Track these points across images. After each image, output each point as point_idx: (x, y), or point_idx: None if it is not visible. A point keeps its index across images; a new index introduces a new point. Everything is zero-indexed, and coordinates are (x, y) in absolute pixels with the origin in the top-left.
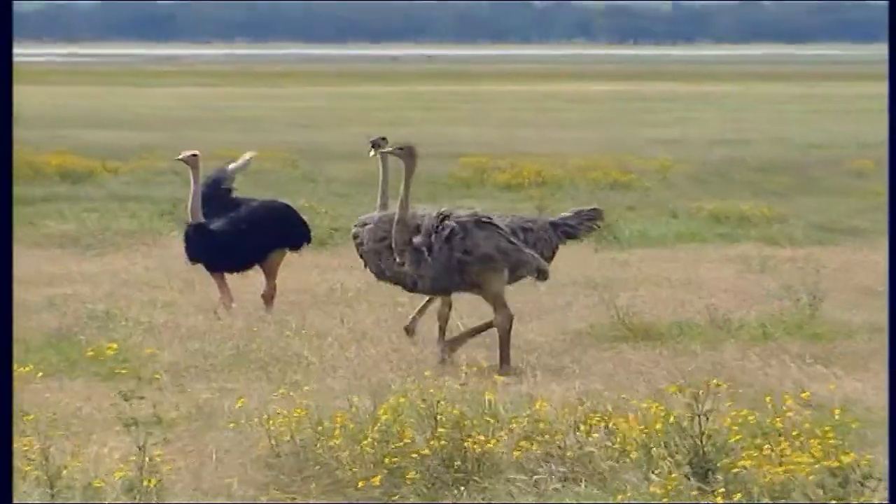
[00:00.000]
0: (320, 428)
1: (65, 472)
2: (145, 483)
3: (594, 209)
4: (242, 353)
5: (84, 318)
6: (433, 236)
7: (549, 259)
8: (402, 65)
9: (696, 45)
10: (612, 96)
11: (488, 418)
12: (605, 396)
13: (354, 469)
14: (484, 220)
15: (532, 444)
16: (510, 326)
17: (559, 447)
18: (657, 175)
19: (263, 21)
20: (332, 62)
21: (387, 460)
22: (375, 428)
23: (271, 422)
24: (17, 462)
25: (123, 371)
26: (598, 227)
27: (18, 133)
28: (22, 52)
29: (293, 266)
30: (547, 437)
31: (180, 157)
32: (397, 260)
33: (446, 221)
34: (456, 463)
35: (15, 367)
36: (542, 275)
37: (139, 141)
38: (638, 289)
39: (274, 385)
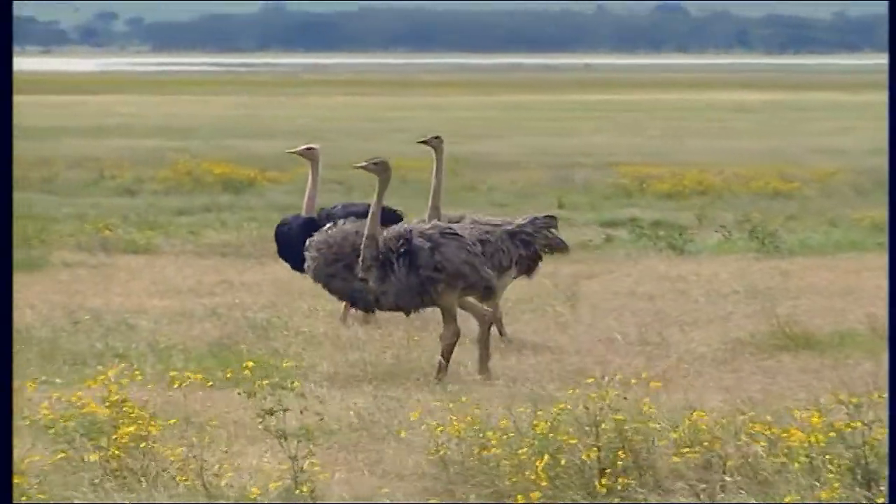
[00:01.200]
0: (480, 437)
1: (222, 481)
2: (297, 491)
3: (548, 216)
4: (402, 363)
5: (245, 328)
6: (397, 252)
7: (507, 269)
8: (561, 74)
9: (858, 54)
10: (772, 105)
11: (649, 425)
12: (766, 406)
13: (514, 479)
14: (448, 232)
15: (693, 452)
16: (456, 341)
17: (720, 456)
18: (818, 184)
19: (423, 31)
20: (490, 71)
21: (547, 469)
22: (535, 437)
23: (431, 431)
24: (174, 470)
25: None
26: (553, 234)
27: (182, 143)
28: (181, 62)
29: None
30: (707, 445)
31: (295, 150)
32: (361, 276)
33: (411, 237)
34: (616, 471)
35: (177, 374)
36: (488, 293)
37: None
38: (799, 298)
39: (434, 395)
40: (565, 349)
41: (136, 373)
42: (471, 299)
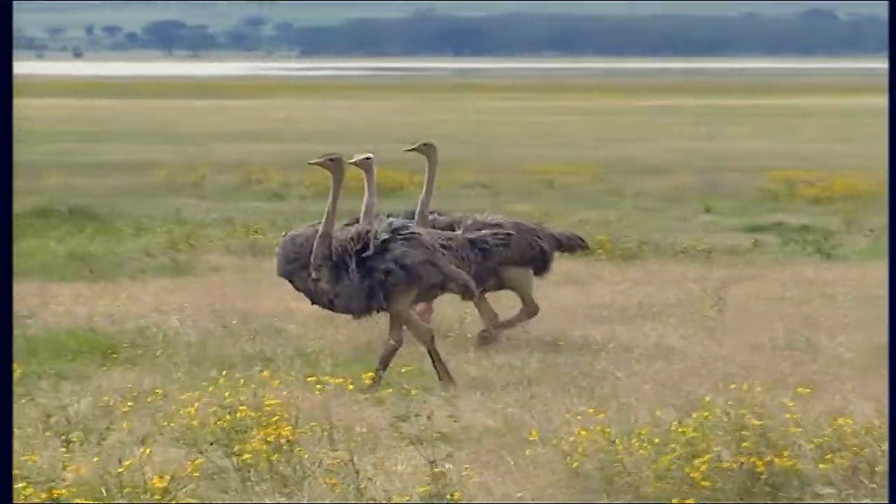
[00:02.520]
0: (626, 443)
1: (366, 485)
2: (442, 497)
3: (508, 233)
4: (549, 367)
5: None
6: (351, 253)
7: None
8: (710, 78)
9: None
10: None
11: (794, 431)
12: None
13: (659, 484)
14: (405, 232)
15: (839, 458)
16: (397, 349)
17: (867, 462)
18: None
19: (572, 35)
20: (639, 76)
21: (693, 474)
22: (681, 442)
23: (575, 437)
24: (320, 473)
25: (416, 385)
26: (506, 245)
27: (331, 147)
28: (329, 66)
29: (602, 280)
30: (855, 450)
31: (353, 160)
32: (313, 275)
33: (366, 238)
34: (763, 476)
35: (322, 379)
36: (466, 291)
37: (447, 155)
38: None
39: (580, 399)
40: (712, 354)
41: (285, 376)
42: (415, 316)
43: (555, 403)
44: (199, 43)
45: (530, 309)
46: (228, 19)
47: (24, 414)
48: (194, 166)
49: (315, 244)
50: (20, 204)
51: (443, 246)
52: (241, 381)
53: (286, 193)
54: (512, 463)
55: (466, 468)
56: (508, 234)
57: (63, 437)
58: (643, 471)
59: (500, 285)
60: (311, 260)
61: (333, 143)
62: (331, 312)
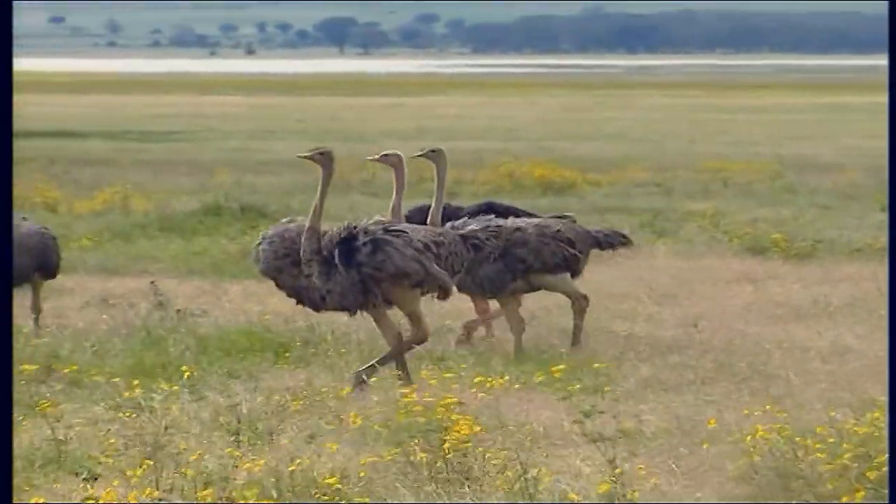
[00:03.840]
0: (800, 443)
1: (542, 486)
2: (619, 497)
3: (499, 227)
4: (723, 367)
5: (562, 331)
6: (337, 250)
7: (460, 272)
8: (884, 75)
9: None
10: None
11: None
12: None
13: (836, 484)
14: (393, 230)
15: None
16: (408, 344)
17: None
18: None
19: (745, 32)
20: (813, 73)
21: (869, 474)
22: (855, 442)
23: (750, 436)
24: (496, 473)
25: (589, 385)
26: (496, 240)
27: (503, 145)
28: (501, 64)
29: (777, 279)
30: None
31: (375, 157)
32: (304, 272)
33: (354, 233)
34: None
35: (494, 378)
36: (443, 292)
37: (621, 152)
38: None
39: (754, 399)
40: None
41: (458, 375)
42: (388, 315)
43: (729, 403)
44: (371, 40)
45: (579, 301)
46: (400, 16)
47: (194, 413)
48: (366, 164)
49: (303, 239)
50: (192, 202)
51: (434, 242)
52: (412, 379)
53: (458, 191)
54: (687, 463)
55: (641, 468)
56: (499, 226)
57: (233, 437)
58: (819, 470)
59: (531, 289)
60: (301, 255)
61: (504, 141)
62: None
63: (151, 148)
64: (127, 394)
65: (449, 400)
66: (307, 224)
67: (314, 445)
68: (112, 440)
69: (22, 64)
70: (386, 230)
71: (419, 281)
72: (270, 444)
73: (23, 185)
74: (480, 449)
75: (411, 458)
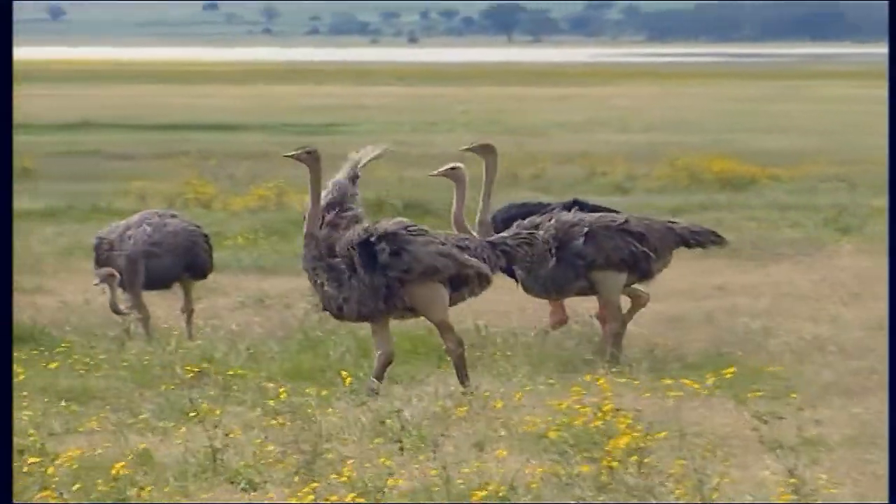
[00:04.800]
0: None
1: (719, 496)
2: None
3: (531, 233)
4: None
5: (740, 334)
6: (358, 253)
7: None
8: None
9: None
10: None
11: None
12: None
13: None
14: (413, 229)
15: None
16: (463, 349)
17: None
18: None
19: None
20: None
21: None
22: None
23: None
24: (671, 484)
25: (768, 390)
26: (531, 248)
27: (679, 138)
28: (679, 52)
29: None
30: None
31: (438, 172)
32: (311, 280)
33: (373, 237)
34: None
35: (672, 383)
36: (482, 281)
37: (803, 145)
38: None
39: None
40: None
41: (631, 380)
42: (389, 327)
43: None
44: (540, 27)
45: (610, 314)
46: (571, 3)
47: (354, 419)
48: (534, 158)
49: (303, 247)
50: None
51: (458, 247)
52: (584, 384)
53: (631, 187)
54: (872, 473)
55: (823, 478)
56: (531, 233)
57: (397, 444)
58: None
59: (592, 288)
60: (302, 263)
61: (680, 134)
62: (679, 312)
63: (310, 141)
64: (284, 399)
65: (621, 407)
66: (304, 230)
67: (481, 453)
68: (269, 448)
69: (175, 54)
70: (406, 230)
71: (453, 274)
72: (434, 452)
73: (175, 181)
74: (652, 458)
75: (581, 468)
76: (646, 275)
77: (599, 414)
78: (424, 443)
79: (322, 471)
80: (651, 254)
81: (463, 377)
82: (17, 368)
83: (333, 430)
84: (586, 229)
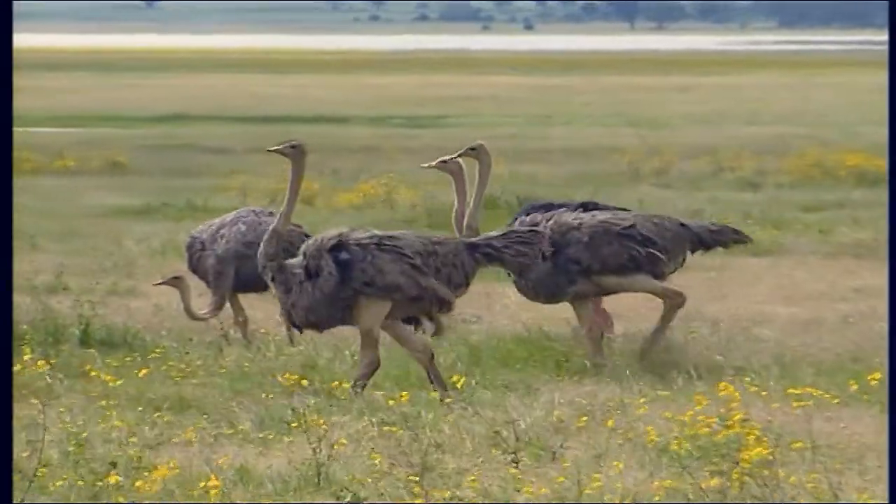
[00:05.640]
0: None
1: None
2: None
3: (532, 231)
4: None
5: (877, 339)
6: (322, 260)
7: (464, 286)
8: None
9: None
10: None
11: None
12: None
13: None
14: (386, 242)
15: None
16: (376, 368)
17: None
18: None
19: None
20: None
21: None
22: None
23: None
24: (803, 499)
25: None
26: (532, 252)
27: (812, 131)
28: (811, 40)
29: None
30: None
31: (431, 164)
32: (264, 278)
33: (344, 244)
34: None
35: (801, 392)
36: (444, 306)
37: None
38: None
39: None
40: None
41: (759, 388)
42: (409, 329)
43: None
44: (666, 14)
45: (672, 300)
46: None
47: (468, 429)
48: (659, 152)
49: (263, 242)
50: (469, 191)
51: (428, 252)
52: (711, 393)
53: (761, 182)
54: None
55: None
56: (531, 231)
57: (512, 456)
58: None
59: (603, 291)
60: (259, 261)
61: (812, 126)
62: (814, 315)
63: (418, 134)
64: (392, 408)
65: (750, 417)
66: (272, 226)
67: (601, 466)
68: (376, 459)
69: (277, 41)
70: (378, 242)
71: (414, 296)
72: (553, 464)
73: (276, 176)
74: (782, 471)
75: (709, 481)
76: (655, 277)
77: (726, 424)
78: (542, 455)
79: (432, 484)
80: (660, 255)
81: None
82: (108, 375)
83: (445, 441)
84: (582, 233)
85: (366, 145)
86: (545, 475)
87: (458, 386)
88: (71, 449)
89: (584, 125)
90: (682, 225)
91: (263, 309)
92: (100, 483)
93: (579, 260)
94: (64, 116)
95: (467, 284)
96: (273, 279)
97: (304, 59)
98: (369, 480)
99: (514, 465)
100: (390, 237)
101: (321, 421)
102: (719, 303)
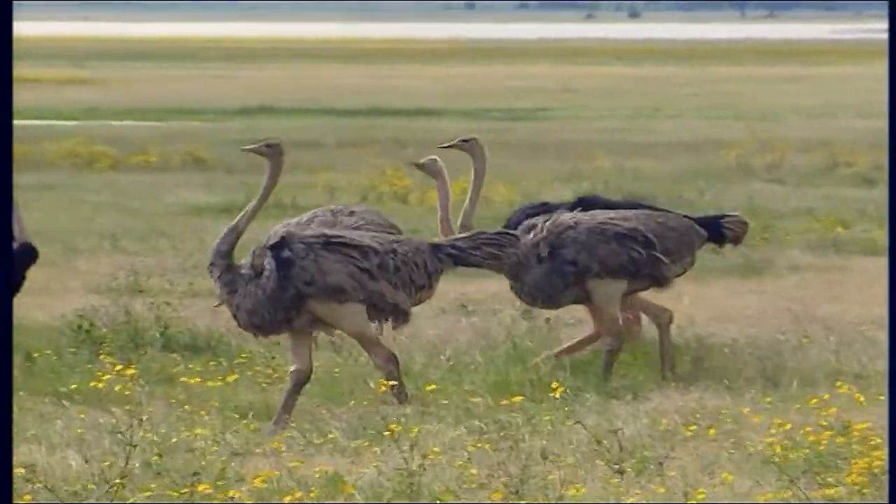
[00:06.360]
0: None
1: None
2: None
3: (502, 234)
4: None
5: None
6: (266, 259)
7: (427, 287)
8: None
9: None
10: None
11: None
12: None
13: None
14: (334, 240)
15: None
16: (396, 365)
17: None
18: None
19: None
20: None
21: None
22: None
23: None
24: None
25: None
26: (502, 255)
27: None
28: None
29: None
30: None
31: (413, 162)
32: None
33: (288, 242)
34: None
35: None
36: (401, 315)
37: None
38: None
39: None
40: None
41: (876, 395)
42: (308, 343)
43: None
44: (778, 2)
45: (604, 330)
46: None
47: (568, 438)
48: (770, 146)
49: (218, 238)
50: (563, 190)
51: (385, 251)
52: (825, 399)
53: (877, 178)
54: None
55: None
56: (502, 233)
57: (616, 467)
58: None
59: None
60: (208, 254)
61: None
62: None
63: (516, 127)
64: (489, 416)
65: (866, 425)
66: (232, 223)
67: (709, 477)
68: (472, 470)
69: (366, 31)
70: (325, 241)
71: (361, 299)
72: (660, 475)
73: (367, 172)
74: None
75: (825, 493)
76: (659, 281)
77: (842, 433)
78: (648, 466)
79: (533, 496)
80: (662, 258)
81: (399, 392)
82: (193, 380)
83: (545, 451)
84: (579, 234)
85: None
86: (650, 486)
87: (557, 394)
88: (154, 459)
89: (691, 118)
90: (689, 223)
91: None
92: (185, 492)
93: (576, 261)
94: (144, 109)
95: (431, 286)
96: (219, 277)
97: (396, 49)
98: (464, 492)
99: (618, 475)
100: (339, 236)
101: (414, 429)
102: (834, 305)
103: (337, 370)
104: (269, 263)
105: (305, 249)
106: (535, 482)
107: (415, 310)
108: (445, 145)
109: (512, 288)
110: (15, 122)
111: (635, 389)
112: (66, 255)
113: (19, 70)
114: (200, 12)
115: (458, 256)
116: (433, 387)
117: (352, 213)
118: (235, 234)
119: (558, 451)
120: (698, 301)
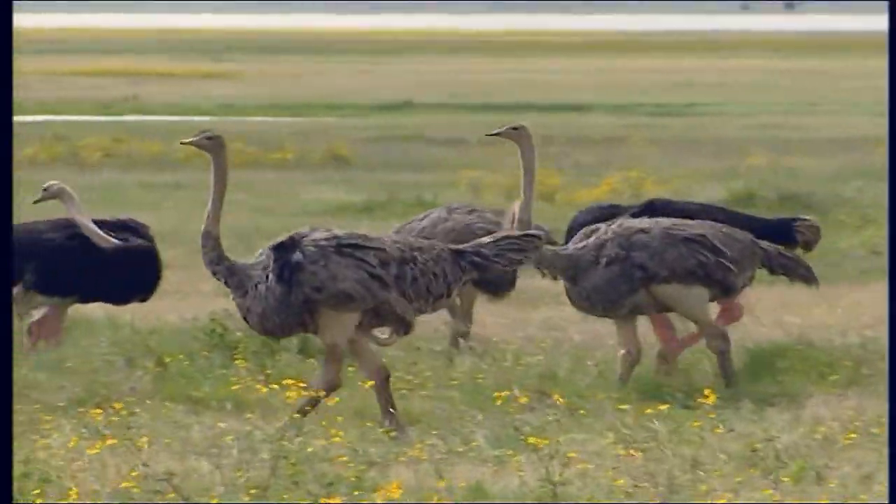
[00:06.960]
0: None
1: None
2: None
3: (526, 236)
4: None
5: None
6: (273, 263)
7: (446, 296)
8: None
9: None
10: None
11: None
12: None
13: None
14: (347, 246)
15: None
16: (387, 377)
17: None
18: None
19: None
20: None
21: None
22: None
23: None
24: None
25: None
26: (526, 259)
27: None
28: None
29: None
30: None
31: (497, 132)
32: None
33: (294, 246)
34: None
35: None
36: (403, 326)
37: None
38: None
39: None
40: None
41: None
42: (370, 344)
43: None
44: None
45: (713, 338)
46: None
47: (721, 447)
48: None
49: (201, 251)
50: (717, 189)
51: (404, 259)
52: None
53: None
54: None
55: None
56: (528, 235)
57: (771, 476)
58: None
59: (658, 307)
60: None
61: None
62: None
63: (668, 123)
64: (637, 423)
65: None
66: (203, 228)
67: (870, 488)
68: (620, 481)
69: (510, 22)
70: (338, 245)
71: (369, 308)
72: (819, 486)
73: (512, 170)
74: None
75: None
76: (728, 289)
77: None
78: (805, 476)
79: None
80: (730, 265)
81: (386, 410)
82: None
83: (696, 460)
84: (651, 238)
85: (608, 136)
86: (808, 497)
87: (711, 401)
88: (289, 467)
89: (850, 114)
90: (753, 240)
91: (494, 312)
92: (320, 503)
93: (646, 266)
94: (283, 105)
95: (449, 295)
96: (226, 283)
97: (541, 41)
98: (610, 502)
99: (774, 485)
100: (355, 241)
101: (559, 438)
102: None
103: (480, 376)
104: (278, 266)
105: (317, 253)
106: (686, 492)
107: (560, 312)
108: (493, 132)
109: (567, 292)
110: (146, 118)
111: (793, 396)
112: (197, 258)
113: (149, 65)
114: (341, 3)
115: (481, 264)
116: (579, 394)
117: (471, 212)
118: (212, 239)
119: (709, 459)
120: (856, 305)
